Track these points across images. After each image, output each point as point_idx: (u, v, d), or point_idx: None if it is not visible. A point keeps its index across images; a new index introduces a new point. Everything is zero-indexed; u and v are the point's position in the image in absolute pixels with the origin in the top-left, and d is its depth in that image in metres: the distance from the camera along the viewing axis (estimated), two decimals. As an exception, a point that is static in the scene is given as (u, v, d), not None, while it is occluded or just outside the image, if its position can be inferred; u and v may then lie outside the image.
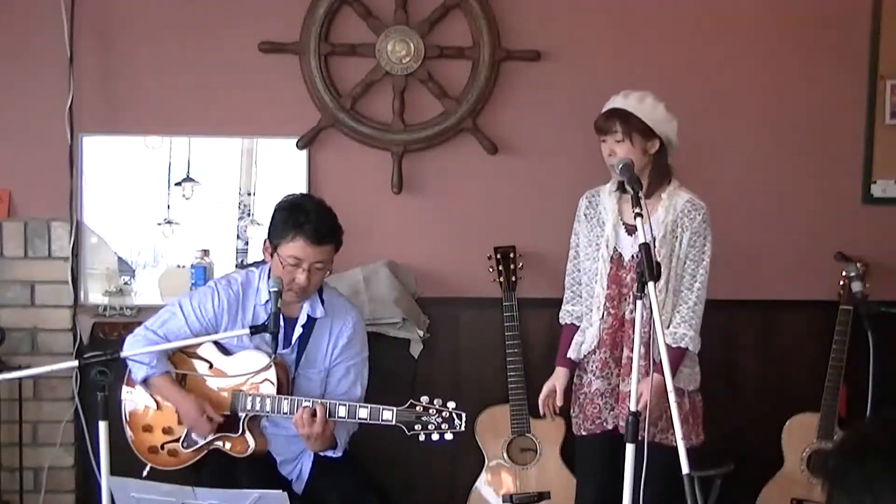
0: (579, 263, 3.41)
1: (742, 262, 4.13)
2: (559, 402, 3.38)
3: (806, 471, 3.91)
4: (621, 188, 3.27)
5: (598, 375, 3.30)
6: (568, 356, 3.39)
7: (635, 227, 3.06)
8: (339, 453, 3.31)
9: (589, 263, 3.34)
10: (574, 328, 3.41)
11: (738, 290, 4.12)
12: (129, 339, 3.31)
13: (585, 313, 3.37)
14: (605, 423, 3.31)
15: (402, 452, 3.57)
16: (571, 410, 3.43)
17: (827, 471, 1.40)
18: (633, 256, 3.24)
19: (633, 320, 3.19)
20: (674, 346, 3.22)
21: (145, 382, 3.29)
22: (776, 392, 4.19)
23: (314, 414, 3.13)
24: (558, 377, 3.40)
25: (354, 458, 3.41)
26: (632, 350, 3.17)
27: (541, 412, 3.45)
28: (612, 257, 3.27)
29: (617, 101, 3.24)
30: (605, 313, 3.28)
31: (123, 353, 2.95)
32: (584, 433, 3.36)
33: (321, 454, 3.31)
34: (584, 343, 3.35)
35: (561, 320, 3.47)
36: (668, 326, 3.24)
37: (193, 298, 3.33)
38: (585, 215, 3.38)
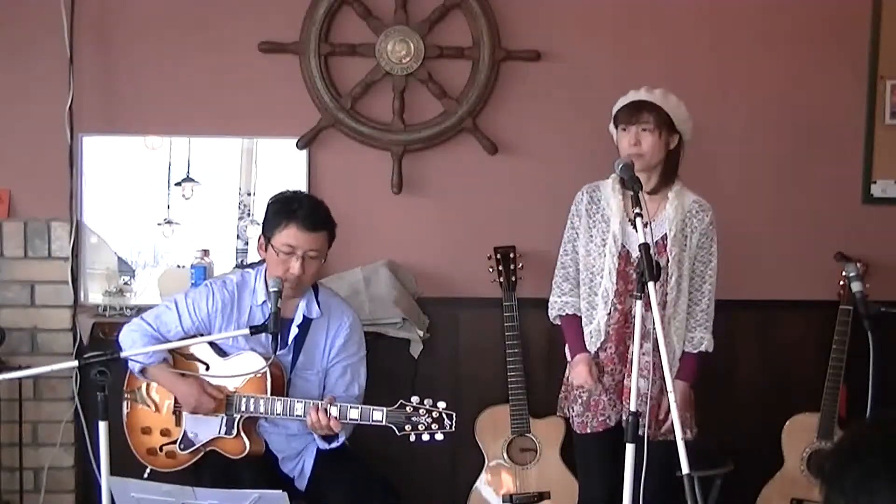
0: (577, 258, 3.38)
1: (742, 263, 4.12)
2: (592, 384, 3.28)
3: (806, 471, 3.91)
4: (623, 184, 3.27)
5: (606, 372, 3.29)
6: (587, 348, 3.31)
7: (644, 223, 3.05)
8: (339, 442, 3.25)
9: (592, 259, 3.32)
10: (578, 318, 3.35)
11: (738, 290, 4.12)
12: (125, 329, 3.36)
13: (585, 309, 3.34)
14: (608, 420, 3.30)
15: (403, 452, 3.56)
16: (569, 409, 3.40)
17: (823, 472, 1.40)
18: None
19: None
20: (694, 351, 3.30)
21: (143, 372, 3.30)
22: (776, 392, 4.19)
23: (326, 412, 3.09)
24: (587, 360, 3.27)
25: (357, 452, 3.40)
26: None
27: (589, 383, 3.30)
28: (619, 253, 3.26)
29: (641, 95, 3.25)
30: (613, 309, 3.26)
31: (123, 354, 2.98)
32: (589, 431, 3.33)
33: (323, 448, 3.27)
34: (591, 339, 3.31)
35: (560, 311, 3.38)
36: (685, 331, 3.28)
37: (188, 296, 3.34)
38: (587, 210, 3.35)
